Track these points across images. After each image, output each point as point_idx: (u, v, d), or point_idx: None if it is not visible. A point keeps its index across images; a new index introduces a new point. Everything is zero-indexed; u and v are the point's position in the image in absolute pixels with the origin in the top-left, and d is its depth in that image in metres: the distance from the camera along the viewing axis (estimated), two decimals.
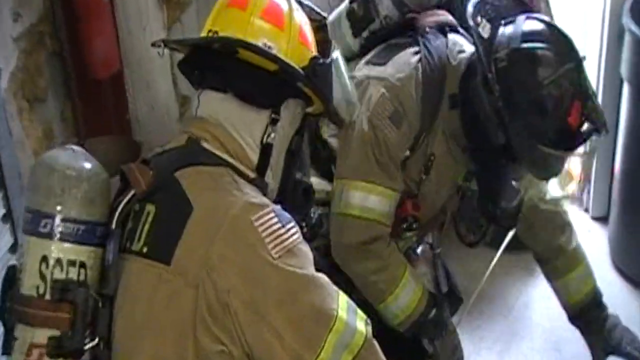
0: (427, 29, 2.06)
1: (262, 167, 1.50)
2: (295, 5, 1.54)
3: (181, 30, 2.93)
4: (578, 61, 1.87)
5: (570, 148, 1.87)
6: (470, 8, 1.94)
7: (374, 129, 1.96)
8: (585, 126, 1.88)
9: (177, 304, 1.33)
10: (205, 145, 1.45)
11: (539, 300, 2.60)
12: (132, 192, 1.41)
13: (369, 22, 2.14)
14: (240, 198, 1.37)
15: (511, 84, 1.84)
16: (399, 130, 1.96)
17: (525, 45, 1.87)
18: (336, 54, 1.69)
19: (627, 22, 2.73)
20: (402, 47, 2.06)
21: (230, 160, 1.45)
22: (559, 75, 1.83)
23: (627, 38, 2.79)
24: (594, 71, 3.27)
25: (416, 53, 2.02)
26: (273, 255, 1.33)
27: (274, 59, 1.43)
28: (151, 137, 3.02)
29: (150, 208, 1.40)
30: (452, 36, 2.08)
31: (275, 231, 1.35)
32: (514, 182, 2.06)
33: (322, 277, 1.40)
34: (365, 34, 2.16)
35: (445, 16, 2.13)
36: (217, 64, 1.47)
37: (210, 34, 1.48)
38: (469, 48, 2.04)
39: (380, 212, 1.97)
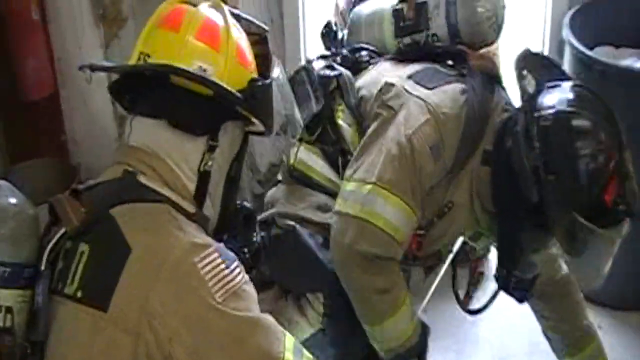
0: (478, 73, 1.94)
1: (199, 196, 1.41)
2: (232, 21, 1.45)
3: (119, 46, 2.85)
4: (620, 139, 1.80)
5: (604, 226, 1.75)
6: (516, 61, 1.88)
7: (412, 150, 1.83)
8: (621, 207, 1.76)
9: (116, 354, 1.24)
10: (142, 179, 1.36)
11: (487, 316, 2.58)
12: (62, 229, 1.31)
13: (414, 31, 2.05)
14: (182, 238, 1.29)
15: (551, 145, 1.77)
16: (436, 164, 1.84)
17: (570, 109, 1.80)
18: (277, 71, 1.61)
19: (567, 35, 2.75)
20: (450, 79, 1.94)
21: (169, 195, 1.36)
22: (599, 149, 1.77)
23: (567, 52, 2.82)
24: None
25: (463, 92, 1.90)
26: (217, 300, 1.25)
27: (209, 83, 1.35)
28: (89, 158, 2.94)
29: (84, 248, 1.30)
30: (499, 91, 1.97)
31: (219, 273, 1.27)
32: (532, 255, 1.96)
33: (268, 317, 1.34)
34: (407, 40, 2.07)
35: (494, 63, 2.03)
36: (149, 89, 1.39)
37: (142, 57, 1.40)
38: (512, 108, 1.95)
39: (404, 233, 1.84)
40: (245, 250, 1.65)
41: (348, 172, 1.90)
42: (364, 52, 2.10)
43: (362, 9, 2.18)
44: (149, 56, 1.39)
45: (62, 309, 1.29)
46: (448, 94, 1.89)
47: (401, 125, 1.85)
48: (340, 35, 2.20)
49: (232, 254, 1.33)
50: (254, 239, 1.71)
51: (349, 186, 1.87)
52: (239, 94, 1.39)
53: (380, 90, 1.92)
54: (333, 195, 1.92)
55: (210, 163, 1.41)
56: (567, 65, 2.79)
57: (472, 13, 1.98)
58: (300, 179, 1.99)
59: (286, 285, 1.99)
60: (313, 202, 1.96)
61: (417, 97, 1.88)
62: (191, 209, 1.38)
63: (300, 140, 1.98)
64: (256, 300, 1.33)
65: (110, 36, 2.87)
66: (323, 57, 2.15)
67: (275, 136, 1.70)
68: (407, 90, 1.89)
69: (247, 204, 1.62)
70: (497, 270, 1.96)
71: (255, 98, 1.42)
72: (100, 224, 1.30)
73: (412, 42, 2.06)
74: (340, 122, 1.97)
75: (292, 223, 1.92)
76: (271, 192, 2.05)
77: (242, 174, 1.54)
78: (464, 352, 2.80)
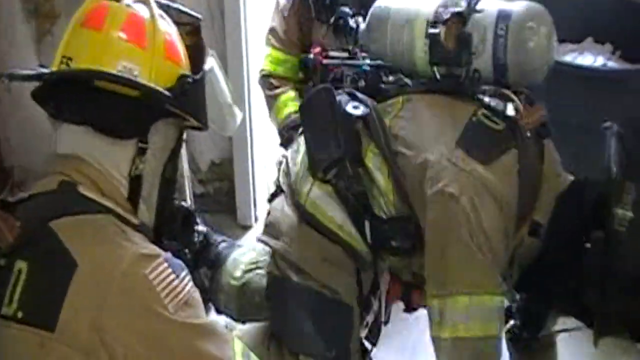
0: (528, 134, 1.71)
1: (133, 201, 1.35)
2: (159, 13, 1.38)
3: (52, 42, 2.76)
4: None
5: None
6: None
7: (490, 246, 1.63)
8: None
9: None
10: (81, 189, 1.29)
11: None
12: None
13: (453, 63, 1.75)
14: (130, 249, 1.24)
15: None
16: (506, 248, 1.67)
17: None
18: (211, 62, 1.54)
19: None
20: (501, 144, 1.68)
21: (110, 205, 1.30)
22: None
23: None
24: None
25: (517, 162, 1.68)
26: (170, 310, 1.22)
27: (134, 85, 1.29)
28: (23, 161, 2.85)
29: (21, 265, 1.22)
30: (548, 145, 1.78)
31: (170, 283, 1.23)
32: None
33: (217, 322, 1.33)
34: (442, 70, 1.77)
35: (543, 115, 1.78)
36: (73, 94, 1.31)
37: (64, 60, 1.32)
38: (562, 172, 1.78)
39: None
40: (187, 251, 1.65)
41: (430, 287, 1.67)
42: (390, 77, 1.83)
43: (390, 4, 1.87)
44: (71, 60, 1.31)
45: (4, 331, 1.21)
46: (504, 166, 1.66)
47: (471, 220, 1.62)
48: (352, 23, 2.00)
49: (179, 262, 1.29)
50: (195, 239, 1.67)
51: (441, 304, 1.64)
52: (167, 92, 1.32)
53: (428, 166, 1.65)
54: (343, 245, 1.73)
55: (141, 166, 1.35)
56: None
57: (525, 56, 1.70)
58: (310, 222, 1.75)
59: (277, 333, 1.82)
60: (320, 253, 1.74)
61: (476, 177, 1.63)
62: (134, 219, 1.33)
63: (313, 175, 1.75)
64: (202, 306, 1.30)
65: (43, 32, 2.79)
66: (337, 58, 1.94)
67: (216, 133, 1.64)
68: (461, 168, 1.63)
69: (184, 204, 1.57)
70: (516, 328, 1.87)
71: (186, 95, 1.36)
72: (39, 239, 1.23)
73: (450, 74, 1.77)
74: (370, 165, 1.74)
75: (293, 277, 1.73)
76: (278, 208, 1.81)
77: (179, 175, 1.48)
78: (417, 350, 2.76)
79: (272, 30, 2.85)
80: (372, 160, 1.72)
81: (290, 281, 1.69)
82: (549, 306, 1.78)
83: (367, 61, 1.86)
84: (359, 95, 1.77)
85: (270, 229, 1.78)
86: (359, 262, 1.73)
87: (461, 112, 1.69)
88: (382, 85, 1.81)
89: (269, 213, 1.82)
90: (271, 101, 2.77)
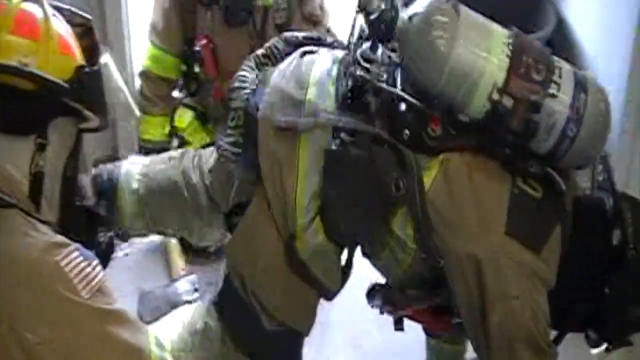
0: (571, 210, 1.62)
1: (34, 199, 1.34)
2: (51, 11, 1.38)
3: None
4: None
5: None
6: None
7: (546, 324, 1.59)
8: None
9: None
10: None
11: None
12: None
13: (509, 143, 1.56)
14: (40, 238, 1.24)
15: None
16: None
17: None
18: (105, 58, 1.53)
19: None
20: (548, 223, 1.58)
21: (13, 201, 1.28)
22: None
23: None
24: None
25: (559, 239, 1.59)
26: (84, 296, 1.23)
27: (29, 75, 1.28)
28: None
29: None
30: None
31: (82, 270, 1.25)
32: None
33: (129, 311, 1.34)
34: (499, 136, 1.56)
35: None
36: None
37: None
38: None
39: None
40: (93, 251, 1.59)
41: None
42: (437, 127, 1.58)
43: (452, 46, 1.52)
44: None
45: None
46: (551, 248, 1.58)
47: (537, 316, 1.56)
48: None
49: (89, 252, 1.31)
50: (101, 239, 1.65)
51: None
52: (64, 84, 1.32)
53: (481, 263, 1.54)
54: (319, 288, 1.70)
55: (41, 163, 1.34)
56: None
57: (589, 154, 1.60)
58: (297, 267, 1.66)
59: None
60: (288, 293, 1.68)
61: (530, 269, 1.55)
62: (39, 216, 1.32)
63: (330, 238, 1.64)
64: (114, 295, 1.32)
65: None
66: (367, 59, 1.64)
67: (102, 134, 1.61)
68: (517, 263, 1.54)
69: (89, 203, 1.54)
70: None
71: (84, 86, 1.37)
72: None
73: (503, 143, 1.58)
74: (397, 230, 1.62)
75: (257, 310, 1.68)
76: (254, 224, 1.71)
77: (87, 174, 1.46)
78: (314, 336, 2.80)
79: (151, 25, 2.79)
80: (400, 226, 1.61)
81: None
82: (563, 330, 1.71)
83: (402, 92, 1.58)
84: (402, 149, 1.56)
85: (240, 245, 1.70)
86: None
87: (501, 180, 1.58)
88: (428, 141, 1.57)
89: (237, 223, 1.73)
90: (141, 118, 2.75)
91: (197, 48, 2.69)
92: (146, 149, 2.76)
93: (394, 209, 1.58)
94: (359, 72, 1.58)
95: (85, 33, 1.46)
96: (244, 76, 1.73)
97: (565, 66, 1.58)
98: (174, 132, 2.86)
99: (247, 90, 1.69)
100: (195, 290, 2.59)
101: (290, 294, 1.67)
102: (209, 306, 1.72)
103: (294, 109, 1.61)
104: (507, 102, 1.51)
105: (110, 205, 1.81)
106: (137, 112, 1.73)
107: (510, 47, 1.53)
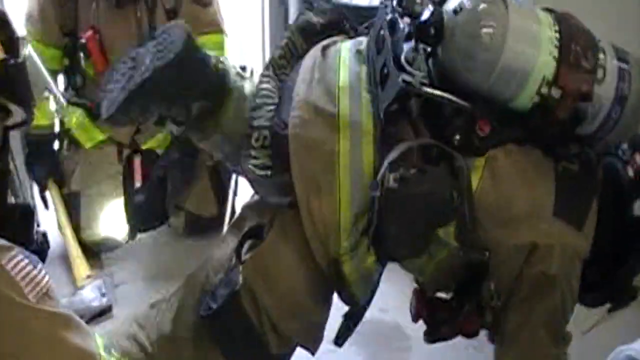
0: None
1: None
2: None
3: None
4: None
5: None
6: None
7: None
8: None
9: None
10: None
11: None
12: None
13: (555, 133, 1.55)
14: None
15: None
16: None
17: None
18: (27, 50, 1.48)
19: None
20: (588, 198, 1.58)
21: None
22: None
23: None
24: None
25: (596, 213, 1.59)
26: (31, 300, 1.20)
27: None
28: None
29: None
30: None
31: (29, 273, 1.22)
32: None
33: (76, 316, 1.30)
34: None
35: None
36: None
37: None
38: None
39: None
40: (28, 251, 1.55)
41: None
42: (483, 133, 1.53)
43: (502, 43, 1.48)
44: None
45: None
46: (590, 226, 1.58)
47: (568, 295, 1.59)
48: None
49: (34, 256, 1.27)
50: (35, 237, 1.59)
51: None
52: None
53: (536, 249, 1.54)
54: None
55: None
56: None
57: (629, 130, 1.60)
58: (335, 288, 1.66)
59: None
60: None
61: (573, 248, 1.56)
62: None
63: (379, 258, 1.59)
64: (59, 300, 1.29)
65: None
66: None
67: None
68: (563, 246, 1.54)
69: (24, 202, 1.49)
70: None
71: (9, 77, 1.32)
72: None
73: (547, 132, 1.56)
74: (440, 233, 1.58)
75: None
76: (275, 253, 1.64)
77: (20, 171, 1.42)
78: None
79: (26, 15, 2.65)
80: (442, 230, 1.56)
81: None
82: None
83: (452, 96, 1.51)
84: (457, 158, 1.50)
85: (261, 273, 1.61)
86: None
87: (546, 165, 1.57)
88: (477, 142, 1.53)
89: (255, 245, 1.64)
90: None
91: (82, 41, 2.59)
92: (33, 137, 2.62)
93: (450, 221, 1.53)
94: (406, 78, 1.47)
95: (1, 26, 1.39)
96: (264, 89, 1.61)
97: (606, 44, 1.54)
98: (64, 132, 2.75)
99: (271, 107, 1.59)
100: (103, 295, 2.56)
101: (306, 317, 1.64)
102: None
103: (326, 124, 1.52)
104: (556, 93, 1.48)
105: None
106: (64, 101, 1.67)
107: (557, 34, 1.49)
